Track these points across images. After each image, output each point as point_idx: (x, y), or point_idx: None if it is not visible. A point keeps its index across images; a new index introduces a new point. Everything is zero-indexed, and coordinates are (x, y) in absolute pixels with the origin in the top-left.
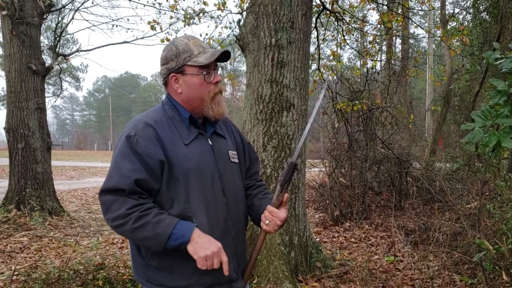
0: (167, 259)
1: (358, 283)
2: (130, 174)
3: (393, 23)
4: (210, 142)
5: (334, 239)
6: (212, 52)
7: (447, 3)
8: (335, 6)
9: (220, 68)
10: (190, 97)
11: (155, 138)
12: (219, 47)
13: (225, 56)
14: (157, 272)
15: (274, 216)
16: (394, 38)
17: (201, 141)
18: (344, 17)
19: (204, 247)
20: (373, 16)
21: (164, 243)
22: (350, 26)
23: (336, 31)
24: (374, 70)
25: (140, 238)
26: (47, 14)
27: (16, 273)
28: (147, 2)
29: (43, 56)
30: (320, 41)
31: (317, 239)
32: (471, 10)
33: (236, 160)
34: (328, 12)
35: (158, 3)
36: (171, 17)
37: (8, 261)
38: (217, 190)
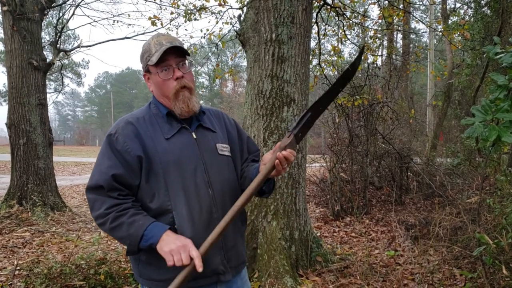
0: (154, 254)
1: (358, 277)
2: (107, 171)
3: (394, 18)
4: (194, 136)
5: (335, 234)
6: (161, 50)
7: None
8: (335, 0)
9: (187, 62)
10: (158, 95)
11: (134, 134)
12: (220, 43)
13: (180, 50)
14: (146, 267)
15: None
16: (395, 33)
17: (184, 135)
18: (344, 12)
19: (168, 243)
20: (374, 11)
21: (137, 244)
22: (351, 21)
23: (337, 26)
24: (375, 65)
25: (117, 238)
26: (48, 10)
27: (18, 268)
28: None
29: (44, 52)
30: (321, 36)
31: (318, 234)
32: (472, 5)
33: (226, 153)
34: (328, 7)
35: None
36: (172, 13)
37: (10, 256)
38: (201, 182)
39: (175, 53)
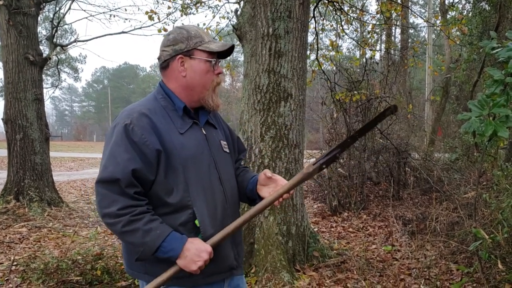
0: None
1: (355, 272)
2: (126, 164)
3: (392, 12)
4: (204, 132)
5: (332, 229)
6: (223, 43)
7: None
8: None
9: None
10: (192, 83)
11: (150, 127)
12: (217, 38)
13: (229, 52)
14: (157, 264)
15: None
16: (393, 27)
17: (196, 131)
18: (342, 7)
19: (194, 260)
20: (372, 6)
21: (151, 253)
22: (348, 16)
23: (335, 21)
24: (373, 60)
25: (128, 242)
26: (44, 4)
27: (15, 263)
28: None
29: (41, 47)
30: (319, 31)
31: (316, 229)
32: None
33: (227, 150)
34: (326, 1)
35: None
36: (169, 7)
37: (7, 252)
38: (214, 179)
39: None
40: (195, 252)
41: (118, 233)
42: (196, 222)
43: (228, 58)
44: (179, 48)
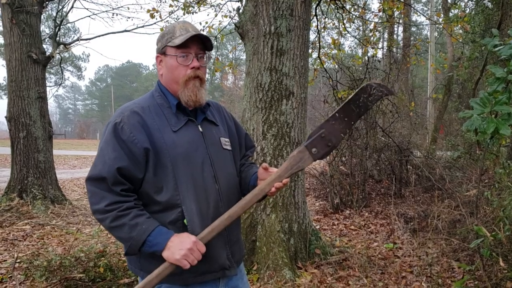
0: None
1: (357, 270)
2: (112, 163)
3: (394, 10)
4: (200, 129)
5: (334, 227)
6: (187, 34)
7: None
8: None
9: (206, 56)
10: (168, 80)
11: (140, 125)
12: (219, 36)
13: (205, 42)
14: (150, 260)
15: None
16: (396, 25)
17: (191, 128)
18: (344, 5)
19: (177, 249)
20: (374, 4)
21: (138, 248)
22: (350, 14)
23: (337, 20)
24: (375, 58)
25: (116, 237)
26: (47, 3)
27: (18, 260)
28: None
29: (44, 45)
30: (321, 29)
31: (317, 227)
32: None
33: (229, 147)
34: None
35: None
36: (171, 6)
37: (11, 249)
38: (208, 177)
39: (198, 44)
40: (178, 243)
41: (107, 228)
42: (185, 221)
43: (231, 56)
44: (157, 47)
